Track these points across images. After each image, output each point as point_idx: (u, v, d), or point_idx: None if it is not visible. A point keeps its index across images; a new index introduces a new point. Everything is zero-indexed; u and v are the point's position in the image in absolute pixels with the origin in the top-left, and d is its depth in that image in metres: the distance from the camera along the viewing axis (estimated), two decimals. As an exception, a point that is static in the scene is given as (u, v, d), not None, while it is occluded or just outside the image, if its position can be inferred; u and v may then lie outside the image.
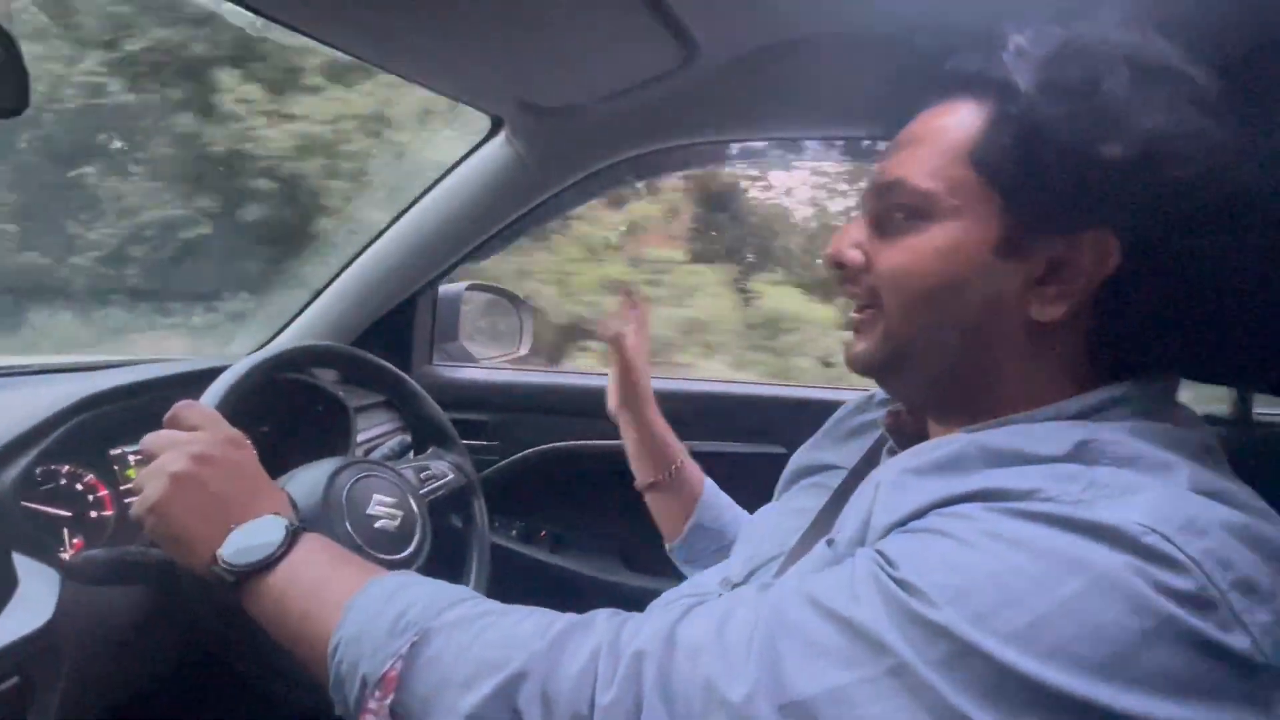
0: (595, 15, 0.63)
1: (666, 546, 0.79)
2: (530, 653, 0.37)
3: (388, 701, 0.38)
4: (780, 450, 0.78)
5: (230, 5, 0.62)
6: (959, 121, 0.41)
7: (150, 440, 0.52)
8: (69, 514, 0.66)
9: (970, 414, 0.43)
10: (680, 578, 0.69)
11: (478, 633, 0.39)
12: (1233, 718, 0.28)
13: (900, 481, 0.40)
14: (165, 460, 0.49)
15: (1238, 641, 0.28)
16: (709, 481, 0.80)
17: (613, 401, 0.79)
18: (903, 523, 0.36)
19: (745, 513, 0.79)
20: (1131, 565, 0.29)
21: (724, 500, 0.80)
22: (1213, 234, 0.38)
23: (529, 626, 0.39)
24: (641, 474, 0.80)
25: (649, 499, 0.80)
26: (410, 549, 0.68)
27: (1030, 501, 0.32)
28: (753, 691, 0.31)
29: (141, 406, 0.71)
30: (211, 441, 0.51)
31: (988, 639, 0.28)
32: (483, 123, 0.88)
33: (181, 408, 0.54)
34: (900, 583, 0.31)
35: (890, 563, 0.33)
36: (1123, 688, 0.27)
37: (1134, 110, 0.36)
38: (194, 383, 0.65)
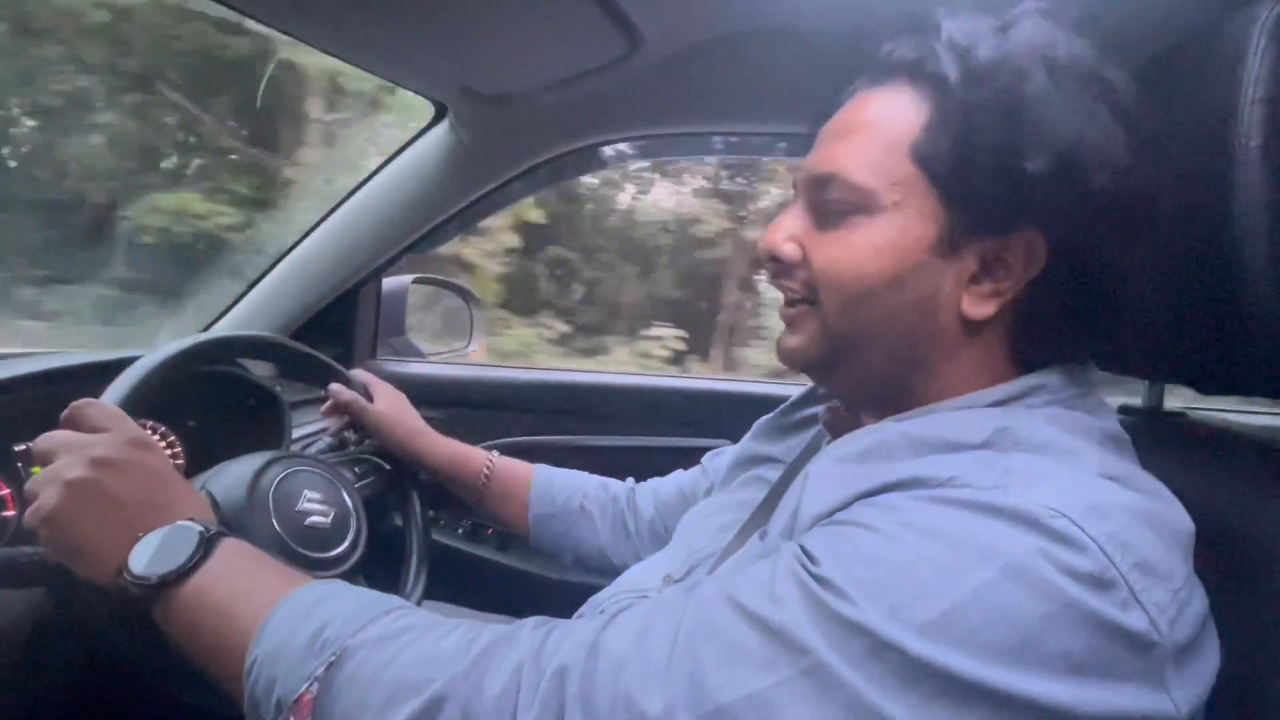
0: (539, 2, 0.62)
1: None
2: (451, 673, 0.35)
3: None
4: (725, 443, 0.79)
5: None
6: (900, 113, 0.41)
7: (44, 442, 0.47)
8: (-36, 514, 0.62)
9: (899, 407, 0.44)
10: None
11: (397, 651, 0.37)
12: (1130, 695, 0.29)
13: (826, 471, 0.40)
14: (60, 465, 0.45)
15: (1135, 621, 0.29)
16: (539, 469, 0.80)
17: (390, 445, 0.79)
18: (828, 514, 0.36)
19: (593, 476, 0.81)
20: (1038, 548, 0.30)
21: (560, 479, 0.80)
22: (1128, 234, 0.40)
23: (450, 643, 0.37)
24: (461, 493, 0.80)
25: (483, 509, 0.80)
26: (344, 546, 0.65)
27: (948, 488, 0.33)
28: (671, 703, 0.31)
29: (49, 399, 0.67)
30: (114, 444, 0.47)
31: (902, 632, 0.29)
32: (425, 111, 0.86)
33: (79, 406, 0.50)
34: (819, 579, 0.32)
35: (811, 559, 0.33)
36: (1027, 672, 0.28)
37: (1052, 118, 0.37)
38: (104, 374, 0.61)
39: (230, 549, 0.45)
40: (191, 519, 0.46)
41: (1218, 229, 0.40)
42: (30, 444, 0.67)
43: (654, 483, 0.80)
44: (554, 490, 0.79)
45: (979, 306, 0.40)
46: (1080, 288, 0.40)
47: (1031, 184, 0.37)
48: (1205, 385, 0.47)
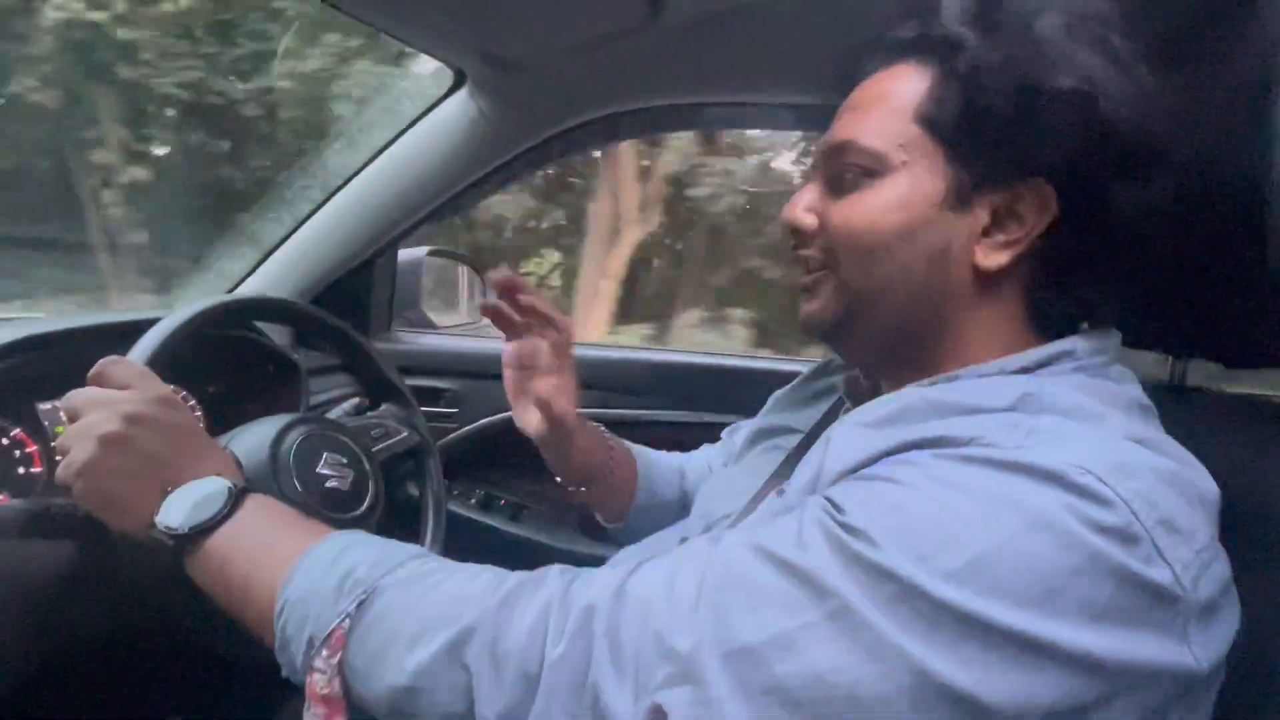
0: (560, -37, 0.62)
1: (608, 526, 0.75)
2: (480, 609, 0.37)
3: (335, 660, 0.37)
4: (742, 419, 0.79)
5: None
6: (904, 83, 0.43)
7: (75, 398, 0.48)
8: (-7, 469, 0.63)
9: (920, 371, 0.44)
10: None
11: (427, 589, 0.39)
12: (1153, 646, 0.30)
13: (851, 433, 0.41)
14: (92, 421, 0.46)
15: (1159, 574, 0.30)
16: (640, 454, 0.74)
17: (533, 431, 0.66)
18: (853, 470, 0.37)
19: (680, 457, 0.76)
20: (1064, 503, 0.30)
21: (662, 465, 0.75)
22: (1135, 181, 0.40)
23: (480, 583, 0.39)
24: (572, 484, 0.70)
25: (588, 498, 0.72)
26: (363, 508, 0.67)
27: (973, 447, 0.34)
28: (699, 641, 0.31)
29: (74, 357, 0.68)
30: (143, 400, 0.48)
31: (929, 578, 0.29)
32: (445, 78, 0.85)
33: (108, 363, 0.51)
34: (846, 527, 0.32)
35: (838, 508, 0.33)
36: (1052, 618, 0.29)
37: (1067, 48, 0.39)
38: (127, 334, 0.62)
39: (257, 502, 0.47)
40: (219, 474, 0.47)
41: (1249, 199, 0.39)
42: (57, 402, 0.69)
43: (681, 458, 0.78)
44: (660, 481, 0.74)
45: (991, 257, 0.41)
46: (1093, 240, 0.41)
47: (1039, 124, 0.39)
48: (1231, 359, 0.47)
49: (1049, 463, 0.31)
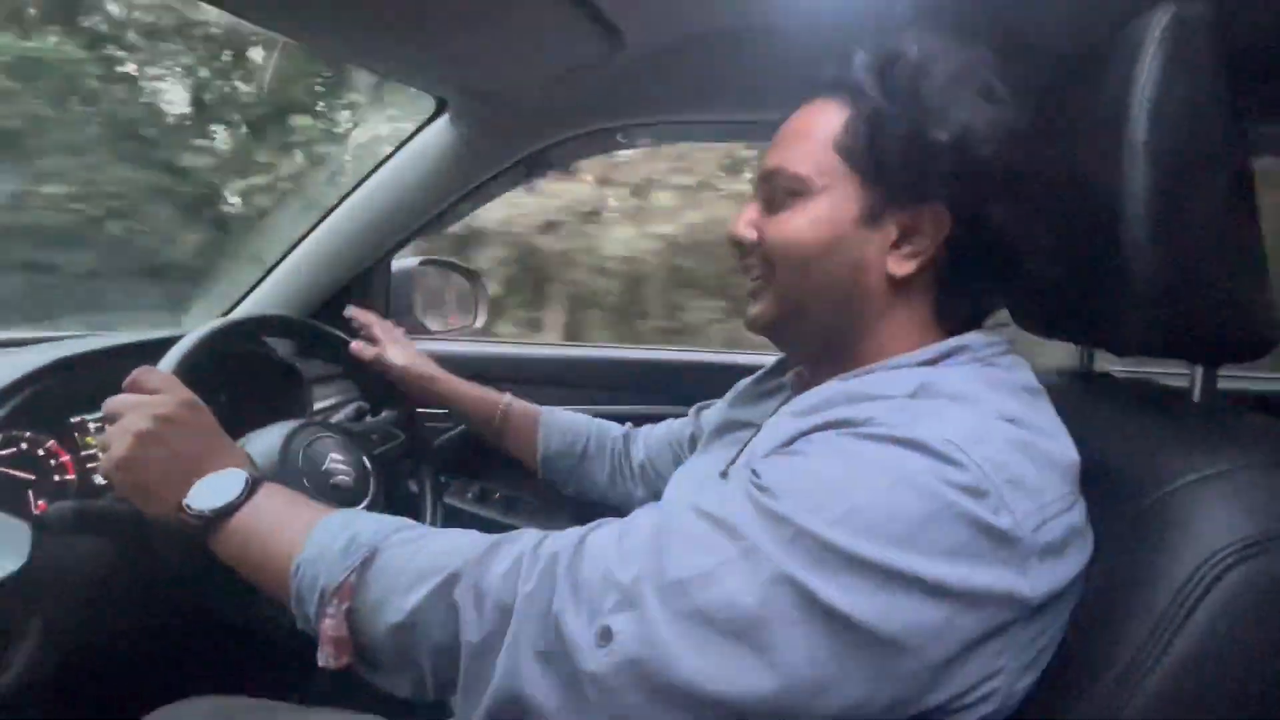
0: (525, 7, 0.68)
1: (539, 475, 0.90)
2: (464, 558, 0.44)
3: (344, 607, 0.45)
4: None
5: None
6: (826, 117, 0.51)
7: (113, 402, 0.56)
8: (33, 477, 0.70)
9: (844, 365, 0.52)
10: None
11: (420, 546, 0.46)
12: (993, 576, 0.37)
13: (781, 421, 0.49)
14: (129, 420, 0.54)
15: (1002, 520, 0.37)
16: (545, 410, 0.90)
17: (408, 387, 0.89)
18: (777, 448, 0.45)
19: (595, 420, 0.91)
20: (927, 465, 0.38)
21: (565, 421, 0.90)
22: (1016, 203, 0.48)
23: (464, 540, 0.46)
24: (482, 430, 0.90)
25: (500, 446, 0.90)
26: (365, 504, 0.74)
27: (867, 426, 0.41)
28: (639, 574, 0.39)
29: (98, 375, 0.75)
30: (171, 402, 0.56)
31: (817, 523, 0.37)
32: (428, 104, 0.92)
33: (141, 372, 0.58)
34: (759, 487, 0.40)
35: (756, 474, 0.41)
36: (911, 553, 0.36)
37: (946, 104, 0.47)
38: (149, 352, 0.69)
39: (271, 488, 0.54)
40: (237, 466, 0.55)
41: (1112, 212, 0.46)
42: (86, 415, 0.76)
43: (645, 428, 0.89)
44: (560, 431, 0.88)
45: (900, 266, 0.50)
46: (983, 252, 0.49)
47: (929, 164, 0.47)
48: (1114, 348, 0.53)
49: (920, 435, 0.39)
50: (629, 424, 0.91)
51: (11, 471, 0.68)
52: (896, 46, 0.49)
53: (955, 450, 0.38)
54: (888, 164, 0.48)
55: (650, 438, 0.87)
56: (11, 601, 0.54)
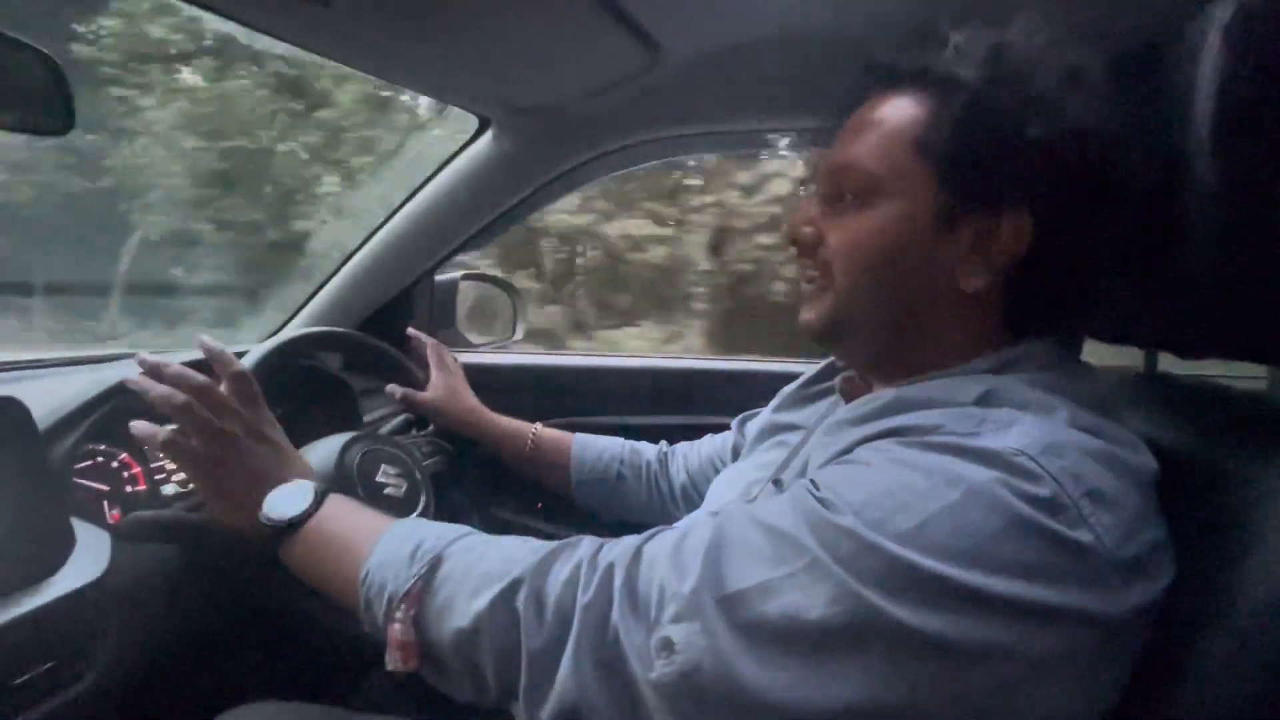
0: (565, 23, 0.70)
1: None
2: (525, 565, 0.44)
3: (411, 613, 0.46)
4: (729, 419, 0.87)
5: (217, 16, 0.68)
6: (902, 111, 0.47)
7: (201, 405, 0.57)
8: (107, 488, 0.74)
9: (903, 372, 0.50)
10: None
11: (482, 554, 0.47)
12: (1074, 597, 0.35)
13: (836, 429, 0.48)
14: (218, 429, 0.56)
15: (1083, 536, 0.35)
16: (577, 437, 0.90)
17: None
18: (834, 458, 0.44)
19: (628, 443, 0.91)
20: (999, 479, 0.36)
21: (597, 447, 0.90)
22: (1107, 212, 0.45)
23: (525, 547, 0.47)
24: (514, 463, 0.92)
25: (535, 477, 0.92)
26: (416, 514, 0.75)
27: (932, 435, 0.40)
28: (698, 585, 0.38)
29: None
30: (254, 417, 0.59)
31: (882, 538, 0.35)
32: (471, 123, 0.94)
33: (236, 376, 0.60)
34: (819, 499, 0.39)
35: (815, 486, 0.40)
36: (985, 572, 0.34)
37: (1061, 102, 0.43)
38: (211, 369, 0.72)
39: (337, 499, 0.56)
40: (305, 478, 0.57)
41: (1180, 211, 0.45)
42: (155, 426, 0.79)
43: (684, 447, 0.88)
44: (592, 457, 0.89)
45: (971, 279, 0.46)
46: (1066, 263, 0.46)
47: (1024, 164, 0.43)
48: (1183, 350, 0.51)
49: (990, 445, 0.37)
50: (664, 442, 0.90)
51: (89, 482, 0.72)
52: (1000, 35, 0.45)
53: (1028, 461, 0.36)
54: (974, 164, 0.44)
55: (691, 458, 0.86)
56: (95, 605, 0.56)
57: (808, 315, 0.52)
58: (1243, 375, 0.64)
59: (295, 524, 0.54)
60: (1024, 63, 0.44)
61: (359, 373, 1.09)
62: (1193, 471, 0.44)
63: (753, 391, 0.80)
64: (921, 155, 0.46)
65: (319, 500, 0.55)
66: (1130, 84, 0.51)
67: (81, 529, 0.58)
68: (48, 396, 0.68)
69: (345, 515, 0.55)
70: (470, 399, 0.91)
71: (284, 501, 0.55)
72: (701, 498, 0.81)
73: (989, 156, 0.44)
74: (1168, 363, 0.62)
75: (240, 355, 0.70)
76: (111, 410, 0.73)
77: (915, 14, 0.63)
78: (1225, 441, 0.46)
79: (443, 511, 0.80)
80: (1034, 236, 0.44)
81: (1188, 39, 0.46)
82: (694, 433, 0.89)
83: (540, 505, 1.20)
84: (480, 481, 0.94)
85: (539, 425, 0.92)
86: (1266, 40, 0.43)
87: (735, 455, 0.80)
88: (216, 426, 0.56)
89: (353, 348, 0.90)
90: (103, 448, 0.74)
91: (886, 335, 0.50)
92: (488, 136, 0.94)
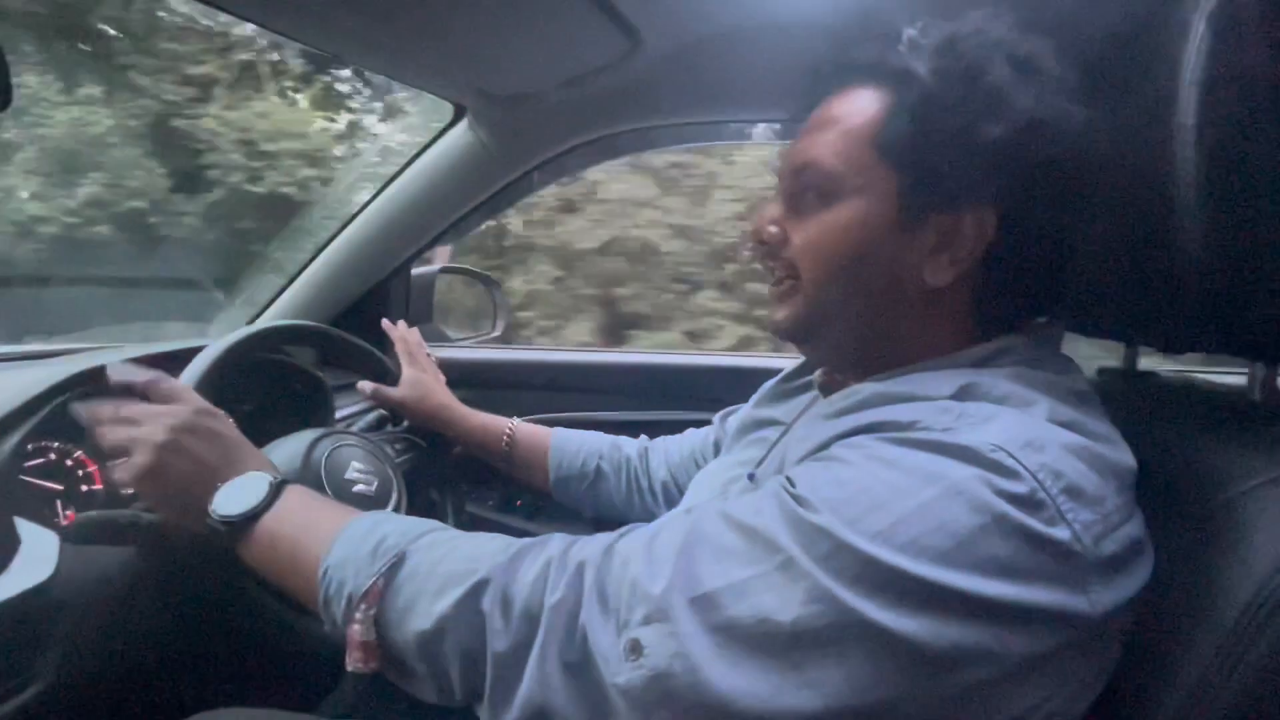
0: (544, 9, 0.68)
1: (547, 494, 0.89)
2: (493, 564, 0.43)
3: (371, 612, 0.44)
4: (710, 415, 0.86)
5: (198, 4, 0.66)
6: (861, 108, 0.46)
7: (130, 411, 0.56)
8: (61, 487, 0.71)
9: (878, 369, 0.49)
10: None
11: (447, 551, 0.45)
12: (1050, 593, 0.34)
13: (812, 424, 0.46)
14: (147, 431, 0.53)
15: (1060, 533, 0.34)
16: (556, 432, 0.88)
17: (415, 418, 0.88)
18: (811, 454, 0.42)
19: (608, 438, 0.88)
20: (977, 475, 0.35)
21: (576, 443, 0.87)
22: (1071, 204, 0.45)
23: (492, 545, 0.45)
24: (490, 460, 0.89)
25: (511, 473, 0.89)
26: (388, 511, 0.73)
27: (909, 431, 0.39)
28: (669, 586, 0.37)
29: (124, 386, 0.75)
30: (186, 412, 0.55)
31: (857, 537, 0.34)
32: (446, 110, 0.92)
33: (153, 382, 0.58)
34: (795, 497, 0.37)
35: (791, 483, 0.39)
36: (958, 570, 0.33)
37: (1013, 95, 0.42)
38: (177, 361, 0.69)
39: (295, 491, 0.53)
40: (260, 469, 0.54)
41: (1161, 203, 0.44)
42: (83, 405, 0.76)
43: (664, 442, 0.86)
44: (570, 453, 0.86)
45: (938, 275, 0.45)
46: (1031, 255, 0.45)
47: (986, 155, 0.42)
48: (1164, 346, 0.51)
49: (967, 441, 0.36)
50: (644, 436, 0.89)
51: (40, 481, 0.68)
52: (953, 28, 0.45)
53: (1006, 458, 0.35)
54: (932, 160, 0.44)
55: (671, 454, 0.85)
56: (40, 611, 0.54)
57: (777, 316, 0.52)
58: (1225, 370, 0.64)
59: (248, 519, 0.51)
60: (976, 54, 0.43)
61: (333, 368, 1.07)
62: (1174, 468, 0.44)
63: (736, 386, 0.79)
64: (880, 152, 0.45)
65: (274, 493, 0.52)
66: (1111, 73, 0.50)
67: (27, 530, 0.56)
68: (2, 390, 0.65)
69: (304, 509, 0.52)
70: (442, 394, 0.89)
71: (235, 497, 0.52)
72: (682, 493, 0.80)
73: (947, 152, 0.43)
74: (1150, 359, 0.62)
75: (198, 349, 0.67)
76: (64, 406, 0.70)
77: (896, 4, 0.62)
78: (1207, 438, 0.45)
79: (416, 509, 0.78)
80: (998, 230, 0.44)
81: (1171, 27, 0.45)
82: (677, 428, 0.88)
83: (519, 503, 1.19)
84: (456, 478, 0.91)
85: (516, 420, 0.90)
86: (1253, 28, 0.42)
87: (717, 450, 0.79)
88: (144, 427, 0.54)
89: (323, 342, 0.87)
90: (56, 445, 0.71)
91: (856, 333, 0.49)
92: (463, 125, 0.92)
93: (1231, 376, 0.58)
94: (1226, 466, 0.41)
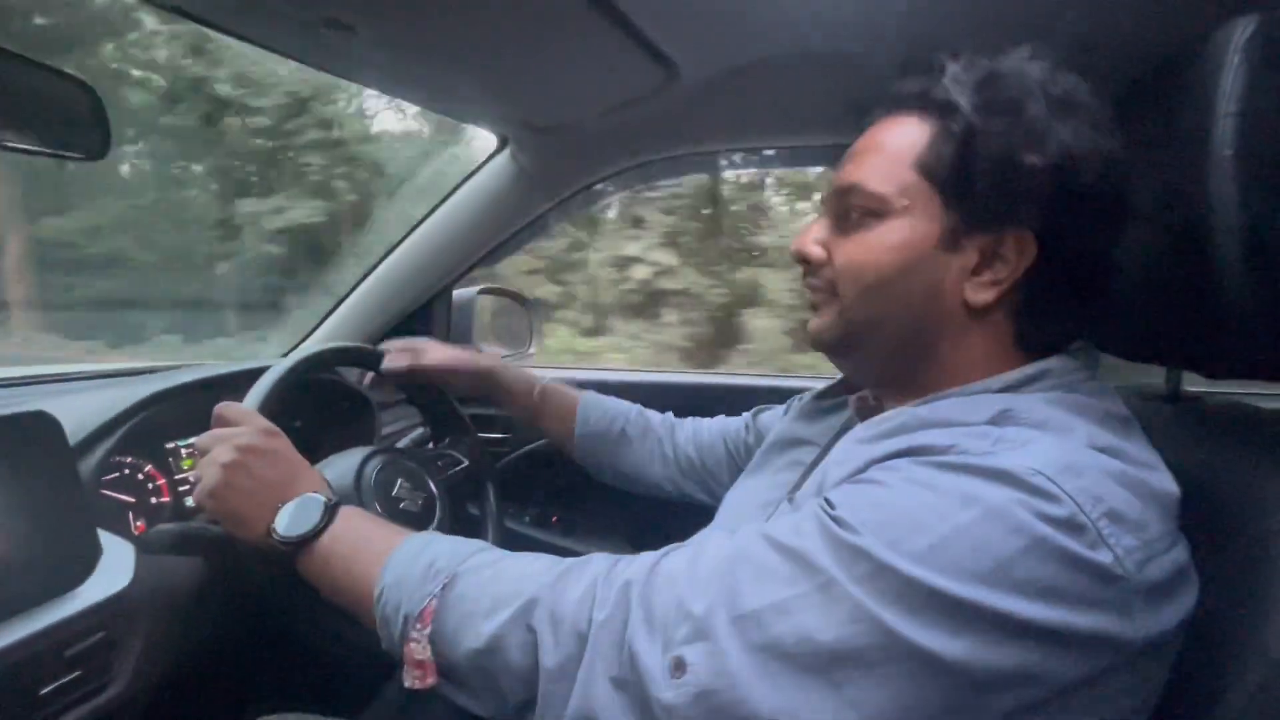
0: (582, 44, 0.71)
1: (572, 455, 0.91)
2: (540, 584, 0.45)
3: (426, 632, 0.46)
4: None
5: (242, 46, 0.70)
6: (906, 133, 0.48)
7: (203, 438, 0.60)
8: (133, 499, 0.75)
9: (914, 390, 0.50)
10: None
11: (496, 572, 0.47)
12: (1094, 620, 0.34)
13: (850, 448, 0.47)
14: (216, 453, 0.58)
15: (1102, 557, 0.35)
16: (586, 394, 0.90)
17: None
18: (849, 477, 0.43)
19: (638, 406, 0.90)
20: (1016, 499, 0.36)
21: (605, 404, 0.89)
22: (1105, 228, 0.46)
23: (539, 565, 0.47)
24: (520, 415, 0.90)
25: (537, 424, 0.90)
26: (432, 528, 0.76)
27: (947, 455, 0.39)
28: (712, 605, 0.38)
29: (193, 405, 0.80)
30: (251, 434, 0.59)
31: (898, 558, 0.35)
32: (490, 140, 0.96)
33: (222, 408, 0.63)
34: (835, 519, 0.39)
35: (831, 505, 0.40)
36: (999, 591, 0.34)
37: (1051, 128, 0.44)
38: (238, 382, 0.73)
39: (350, 513, 0.57)
40: (316, 491, 0.58)
41: (1200, 228, 0.44)
42: (180, 442, 0.81)
43: (694, 421, 0.88)
44: (598, 412, 0.89)
45: (979, 294, 0.47)
46: (1070, 277, 0.46)
47: (1023, 187, 0.44)
48: (1208, 370, 0.51)
49: (1005, 465, 0.37)
50: (670, 412, 0.90)
51: (115, 494, 0.73)
52: (996, 63, 0.47)
53: (1045, 481, 0.36)
54: (975, 186, 0.45)
55: (701, 433, 0.86)
56: (119, 616, 0.58)
57: (814, 324, 0.53)
58: (1269, 394, 0.63)
59: (306, 539, 0.54)
60: (1015, 91, 0.45)
61: (377, 387, 1.11)
62: (1220, 494, 0.44)
63: (757, 406, 0.80)
64: (925, 176, 0.47)
65: (329, 515, 0.55)
66: (1148, 105, 0.51)
67: (107, 540, 0.60)
68: (78, 410, 0.70)
69: (357, 530, 0.55)
70: (469, 354, 0.89)
71: (294, 517, 0.55)
72: (708, 473, 0.83)
73: (988, 179, 0.45)
74: (1191, 382, 0.61)
75: (261, 370, 0.71)
76: (139, 423, 0.75)
77: (932, 34, 0.63)
78: (1251, 464, 0.45)
79: (458, 525, 0.81)
80: (1038, 253, 0.45)
81: (1206, 57, 0.46)
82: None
83: (556, 520, 1.21)
84: (495, 495, 0.94)
85: (547, 377, 0.92)
86: None
87: (748, 451, 0.80)
88: (213, 450, 0.58)
89: (370, 362, 0.91)
90: (129, 460, 0.76)
91: (894, 351, 0.50)
92: (506, 154, 0.96)
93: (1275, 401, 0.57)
94: (1275, 494, 0.40)
